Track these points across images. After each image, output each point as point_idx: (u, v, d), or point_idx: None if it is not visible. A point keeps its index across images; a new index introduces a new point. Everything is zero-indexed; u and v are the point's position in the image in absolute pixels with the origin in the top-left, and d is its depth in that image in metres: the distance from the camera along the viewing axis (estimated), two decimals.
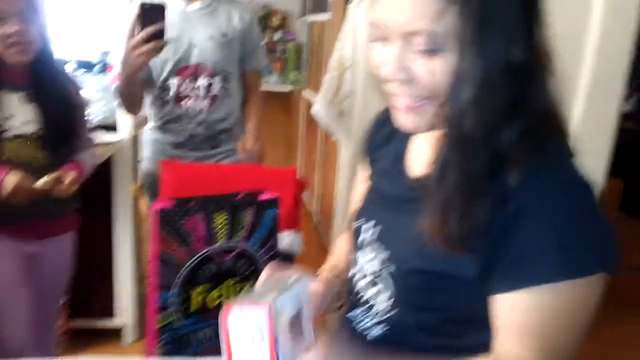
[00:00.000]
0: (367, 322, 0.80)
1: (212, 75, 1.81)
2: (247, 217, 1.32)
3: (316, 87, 3.72)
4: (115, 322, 2.30)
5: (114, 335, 2.30)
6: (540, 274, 0.60)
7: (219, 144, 1.89)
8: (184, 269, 1.25)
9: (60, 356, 1.74)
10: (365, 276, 0.80)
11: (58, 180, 1.43)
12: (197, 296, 1.28)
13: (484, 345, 0.66)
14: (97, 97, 2.18)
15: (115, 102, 1.85)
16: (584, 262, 0.60)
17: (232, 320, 0.61)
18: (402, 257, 0.73)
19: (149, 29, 1.47)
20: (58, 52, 1.58)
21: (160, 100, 1.82)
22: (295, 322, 0.66)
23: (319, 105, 2.57)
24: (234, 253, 1.32)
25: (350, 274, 0.86)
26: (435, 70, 0.61)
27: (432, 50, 0.60)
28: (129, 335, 2.31)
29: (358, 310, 0.82)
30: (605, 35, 1.80)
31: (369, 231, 0.80)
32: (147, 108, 1.89)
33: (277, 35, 5.20)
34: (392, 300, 0.75)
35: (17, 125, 1.43)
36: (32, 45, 1.41)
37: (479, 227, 0.61)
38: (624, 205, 2.95)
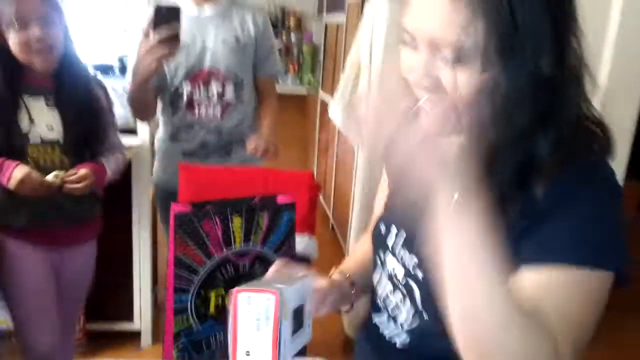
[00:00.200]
0: (393, 329, 0.80)
1: (224, 81, 1.77)
2: (264, 220, 1.32)
3: (331, 89, 3.72)
4: (133, 325, 2.32)
5: (132, 338, 2.32)
6: (564, 254, 0.60)
7: (230, 153, 1.84)
8: (200, 272, 1.25)
9: (79, 359, 1.76)
10: (390, 282, 0.80)
11: (68, 176, 1.42)
12: (213, 299, 1.28)
13: None
14: (116, 101, 2.22)
15: (128, 109, 1.84)
16: (605, 256, 0.60)
17: (241, 303, 0.64)
18: (429, 262, 0.72)
19: (163, 32, 1.44)
20: (82, 56, 1.59)
21: (172, 107, 1.78)
22: (297, 316, 0.69)
23: (335, 107, 2.56)
24: (250, 256, 1.32)
25: (375, 280, 0.86)
26: (461, 80, 0.61)
27: (458, 61, 0.60)
28: (146, 339, 2.33)
29: (384, 316, 0.82)
30: (622, 39, 1.78)
31: (392, 237, 0.80)
32: (159, 115, 1.86)
33: (292, 37, 5.21)
34: (418, 307, 0.74)
35: (41, 130, 1.44)
36: (55, 50, 1.42)
37: (505, 234, 0.60)
38: None
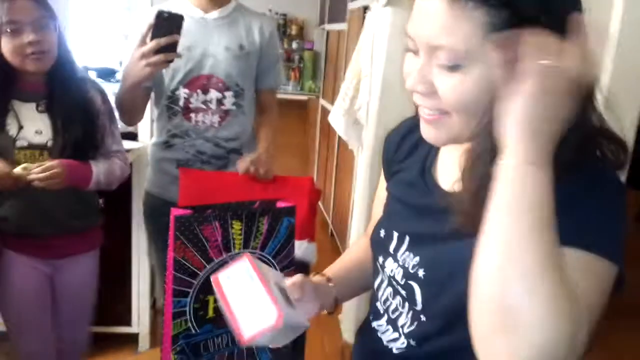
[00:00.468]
0: (391, 334, 0.80)
1: (224, 89, 1.68)
2: (263, 225, 1.32)
3: (332, 96, 3.74)
4: (131, 329, 2.32)
5: (130, 342, 2.32)
6: (581, 237, 0.58)
7: (226, 165, 1.73)
8: (200, 276, 1.26)
9: None
10: (390, 286, 0.80)
11: (34, 168, 1.34)
12: (212, 303, 1.28)
13: None
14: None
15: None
16: (614, 250, 0.60)
17: (224, 282, 0.68)
18: (433, 260, 0.73)
19: (162, 40, 1.39)
20: (78, 61, 1.55)
21: (168, 112, 1.70)
22: (282, 293, 0.72)
23: (335, 114, 2.57)
24: None
25: (375, 284, 0.86)
26: (455, 86, 0.61)
27: (453, 66, 0.61)
28: (144, 343, 2.33)
29: (383, 320, 0.82)
30: (623, 49, 1.80)
31: (394, 242, 0.80)
32: (154, 121, 1.79)
33: (294, 44, 5.24)
34: (418, 309, 0.74)
35: (30, 135, 1.41)
36: (49, 55, 1.40)
37: None
38: None
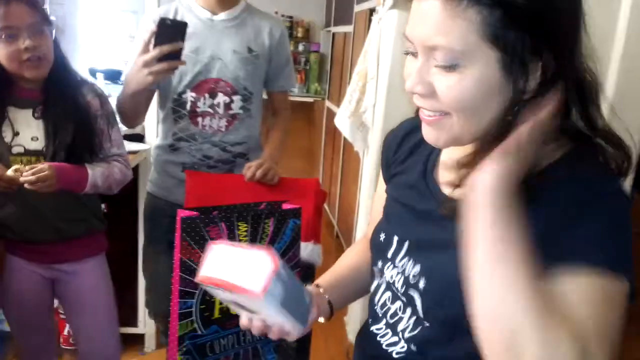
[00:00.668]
0: (391, 337, 0.79)
1: (231, 93, 1.65)
2: (269, 227, 1.32)
3: (338, 98, 3.74)
4: (137, 329, 2.33)
5: (136, 342, 2.33)
6: (588, 256, 0.58)
7: (232, 169, 1.70)
8: None
9: None
10: (389, 290, 0.80)
11: (25, 170, 1.31)
12: (218, 304, 1.29)
13: None
14: None
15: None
16: (623, 265, 0.59)
17: (205, 272, 0.66)
18: (433, 270, 0.72)
19: (165, 48, 1.36)
20: (75, 65, 1.53)
21: (174, 115, 1.67)
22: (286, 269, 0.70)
23: (341, 117, 2.58)
24: None
25: (372, 288, 0.86)
26: (451, 86, 0.61)
27: (450, 66, 0.61)
28: (150, 343, 2.34)
29: (382, 324, 0.81)
30: (628, 55, 1.79)
31: (393, 247, 0.80)
32: (159, 123, 1.76)
33: (300, 46, 5.26)
34: (420, 315, 0.74)
35: (26, 141, 1.41)
36: (46, 60, 1.39)
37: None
38: None
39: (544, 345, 0.52)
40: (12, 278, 1.50)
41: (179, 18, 1.62)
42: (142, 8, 2.37)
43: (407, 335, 0.76)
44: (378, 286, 0.83)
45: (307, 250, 1.52)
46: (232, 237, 1.27)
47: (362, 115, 2.43)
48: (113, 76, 3.52)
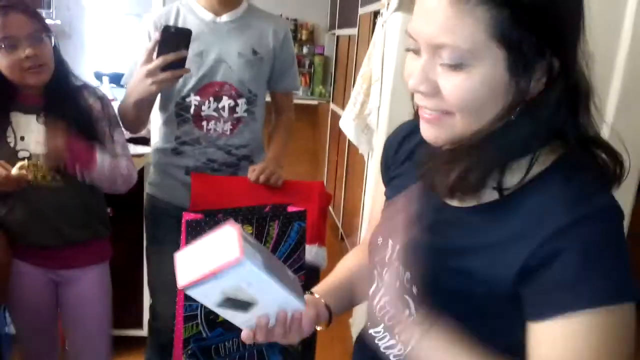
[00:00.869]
0: (388, 340, 0.79)
1: (236, 97, 1.63)
2: (274, 229, 1.33)
3: (342, 100, 3.75)
4: (142, 332, 2.33)
5: (141, 344, 2.33)
6: (577, 300, 0.58)
7: (236, 172, 1.69)
8: None
9: None
10: (386, 294, 0.80)
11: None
12: None
13: None
14: None
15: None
16: (620, 289, 0.59)
17: (184, 279, 0.64)
18: (423, 278, 0.72)
19: (169, 57, 1.34)
20: (80, 70, 1.54)
21: (177, 119, 1.64)
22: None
23: (346, 119, 2.58)
24: None
25: (371, 290, 0.85)
26: (457, 85, 0.61)
27: (456, 65, 0.60)
28: None
29: (380, 327, 0.81)
30: (634, 54, 1.79)
31: (389, 250, 0.79)
32: (159, 127, 1.73)
33: (304, 49, 5.27)
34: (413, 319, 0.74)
35: (32, 146, 1.42)
36: (47, 67, 1.40)
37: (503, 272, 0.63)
38: None
39: None
40: (19, 282, 1.51)
41: (180, 20, 1.62)
42: (146, 11, 2.37)
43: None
44: (376, 290, 0.83)
45: (312, 252, 1.51)
46: None
47: (367, 118, 2.43)
48: (118, 80, 3.54)
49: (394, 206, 0.82)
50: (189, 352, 1.26)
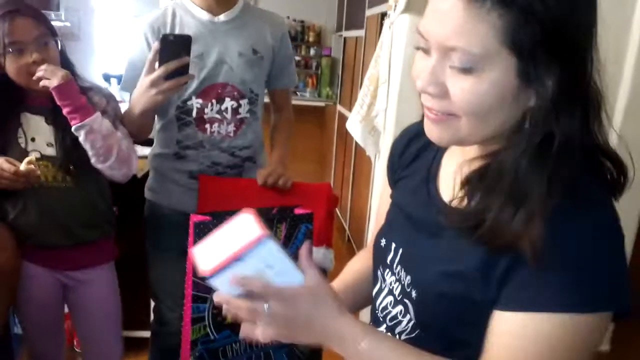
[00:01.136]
0: None
1: (239, 98, 1.61)
2: (281, 231, 1.33)
3: (349, 102, 3.74)
4: (149, 333, 2.33)
5: (148, 346, 2.33)
6: (548, 301, 0.59)
7: (241, 174, 1.67)
8: None
9: None
10: (390, 295, 0.80)
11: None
12: None
13: None
14: None
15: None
16: (594, 298, 0.59)
17: (204, 267, 0.65)
18: (423, 282, 0.72)
19: (171, 65, 1.33)
20: (87, 72, 1.54)
21: (178, 123, 1.61)
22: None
23: (353, 121, 2.58)
24: None
25: (374, 292, 0.85)
26: (466, 89, 0.61)
27: (466, 69, 0.60)
28: None
29: (382, 328, 0.81)
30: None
31: (391, 253, 0.80)
32: (157, 132, 1.69)
33: (311, 51, 5.27)
34: (414, 323, 0.75)
35: (40, 147, 1.44)
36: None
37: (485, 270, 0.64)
38: None
39: None
40: (27, 285, 1.52)
41: (177, 21, 1.59)
42: (146, 12, 2.38)
43: (403, 337, 0.76)
44: (380, 290, 0.83)
45: (319, 255, 1.51)
46: None
47: (374, 120, 2.43)
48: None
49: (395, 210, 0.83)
50: (197, 354, 1.26)
